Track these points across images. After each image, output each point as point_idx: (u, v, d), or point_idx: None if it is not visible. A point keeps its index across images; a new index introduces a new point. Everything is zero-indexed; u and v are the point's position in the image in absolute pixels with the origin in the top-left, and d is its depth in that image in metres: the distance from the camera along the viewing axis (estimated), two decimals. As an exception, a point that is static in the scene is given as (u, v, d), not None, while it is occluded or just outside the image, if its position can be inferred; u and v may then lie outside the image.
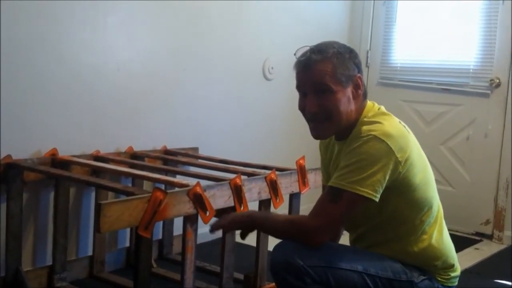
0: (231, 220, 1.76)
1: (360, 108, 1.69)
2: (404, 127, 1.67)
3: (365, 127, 1.61)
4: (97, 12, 2.61)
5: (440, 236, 1.72)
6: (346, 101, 1.65)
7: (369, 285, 1.62)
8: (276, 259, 1.61)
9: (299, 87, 1.70)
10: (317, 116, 1.67)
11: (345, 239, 1.87)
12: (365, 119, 1.66)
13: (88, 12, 2.56)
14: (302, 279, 1.56)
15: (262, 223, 1.75)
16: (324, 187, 1.91)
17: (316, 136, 1.73)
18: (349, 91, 1.66)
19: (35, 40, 2.39)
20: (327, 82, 1.63)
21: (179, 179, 2.28)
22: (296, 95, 1.73)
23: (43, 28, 2.41)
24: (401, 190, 1.63)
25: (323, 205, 1.60)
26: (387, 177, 1.56)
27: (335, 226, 1.65)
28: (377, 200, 1.56)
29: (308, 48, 1.67)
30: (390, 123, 1.62)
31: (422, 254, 1.69)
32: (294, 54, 1.70)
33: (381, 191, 1.57)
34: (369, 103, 1.72)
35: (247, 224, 1.74)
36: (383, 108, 1.73)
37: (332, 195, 1.58)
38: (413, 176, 1.62)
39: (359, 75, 1.67)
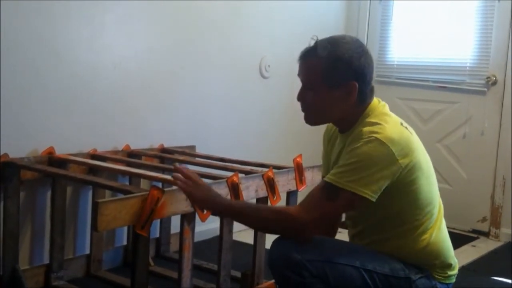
0: (204, 202, 1.75)
1: (359, 108, 1.68)
2: (406, 128, 1.65)
3: (366, 129, 1.59)
4: (95, 11, 2.60)
5: (439, 235, 1.72)
6: (329, 102, 1.66)
7: (367, 281, 1.62)
8: (274, 254, 1.61)
9: (297, 74, 1.73)
10: (301, 106, 1.72)
11: (344, 235, 1.87)
12: (367, 120, 1.64)
13: (86, 10, 2.56)
14: (300, 273, 1.56)
15: (239, 213, 1.70)
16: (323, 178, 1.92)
17: (305, 121, 1.75)
18: (336, 94, 1.64)
19: (32, 39, 2.38)
20: (310, 80, 1.66)
21: (176, 177, 2.28)
22: (293, 93, 1.74)
23: (40, 26, 2.40)
24: (406, 192, 1.63)
25: (317, 200, 1.59)
26: (386, 181, 1.56)
27: (325, 222, 1.67)
28: (374, 200, 1.56)
29: (316, 40, 1.67)
30: (392, 126, 1.61)
31: (421, 253, 1.69)
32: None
33: (379, 192, 1.56)
34: (374, 100, 1.71)
35: (219, 212, 1.76)
36: (386, 107, 1.71)
37: (328, 192, 1.57)
38: (419, 178, 1.62)
39: (354, 82, 1.63)
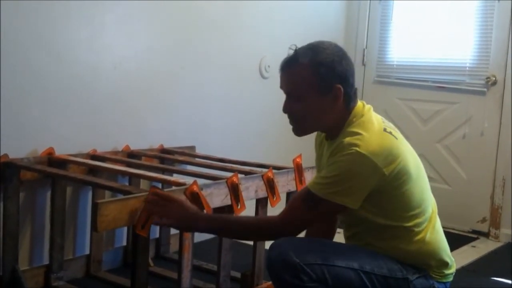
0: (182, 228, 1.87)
1: (345, 113, 1.68)
2: (390, 132, 1.65)
3: (347, 140, 1.59)
4: (95, 11, 2.60)
5: (434, 235, 1.72)
6: (317, 109, 1.66)
7: (365, 283, 1.63)
8: (273, 257, 1.61)
9: (280, 86, 1.73)
10: (289, 117, 1.72)
11: (342, 235, 1.87)
12: (349, 129, 1.65)
13: (86, 10, 2.55)
14: (299, 277, 1.56)
15: (220, 229, 1.81)
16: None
17: (294, 133, 1.76)
18: (324, 100, 1.65)
19: (32, 39, 2.38)
20: (296, 89, 1.66)
21: (176, 177, 2.28)
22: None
23: (40, 26, 2.40)
24: (395, 195, 1.64)
25: (300, 211, 1.66)
26: (369, 188, 1.59)
27: (308, 227, 1.82)
28: (357, 207, 1.60)
29: (295, 48, 1.67)
30: (373, 135, 1.60)
31: (417, 254, 1.70)
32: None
33: (362, 199, 1.60)
34: (359, 104, 1.71)
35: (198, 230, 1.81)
36: (370, 112, 1.70)
37: (310, 202, 1.63)
38: (407, 181, 1.63)
39: (338, 86, 1.64)
